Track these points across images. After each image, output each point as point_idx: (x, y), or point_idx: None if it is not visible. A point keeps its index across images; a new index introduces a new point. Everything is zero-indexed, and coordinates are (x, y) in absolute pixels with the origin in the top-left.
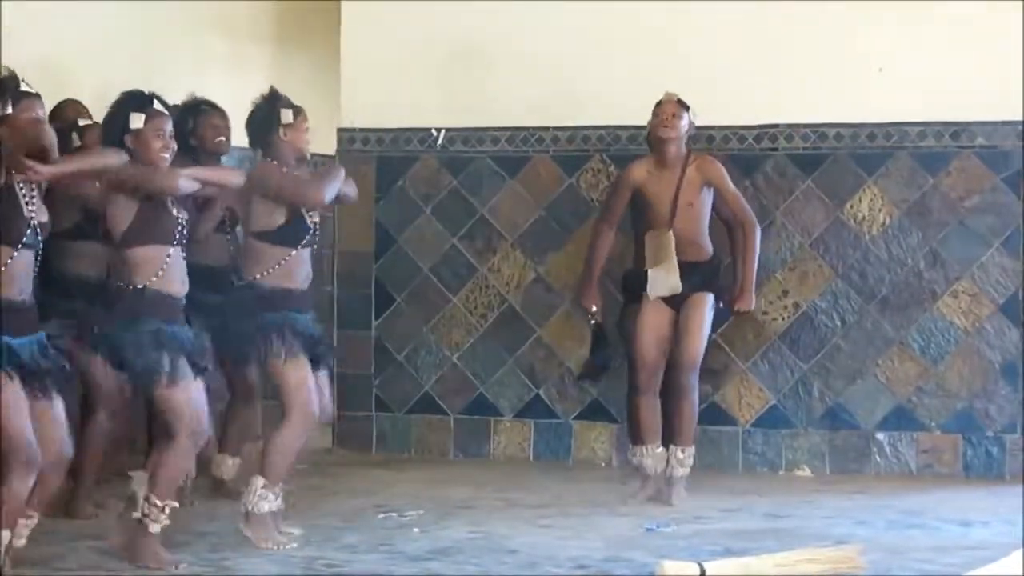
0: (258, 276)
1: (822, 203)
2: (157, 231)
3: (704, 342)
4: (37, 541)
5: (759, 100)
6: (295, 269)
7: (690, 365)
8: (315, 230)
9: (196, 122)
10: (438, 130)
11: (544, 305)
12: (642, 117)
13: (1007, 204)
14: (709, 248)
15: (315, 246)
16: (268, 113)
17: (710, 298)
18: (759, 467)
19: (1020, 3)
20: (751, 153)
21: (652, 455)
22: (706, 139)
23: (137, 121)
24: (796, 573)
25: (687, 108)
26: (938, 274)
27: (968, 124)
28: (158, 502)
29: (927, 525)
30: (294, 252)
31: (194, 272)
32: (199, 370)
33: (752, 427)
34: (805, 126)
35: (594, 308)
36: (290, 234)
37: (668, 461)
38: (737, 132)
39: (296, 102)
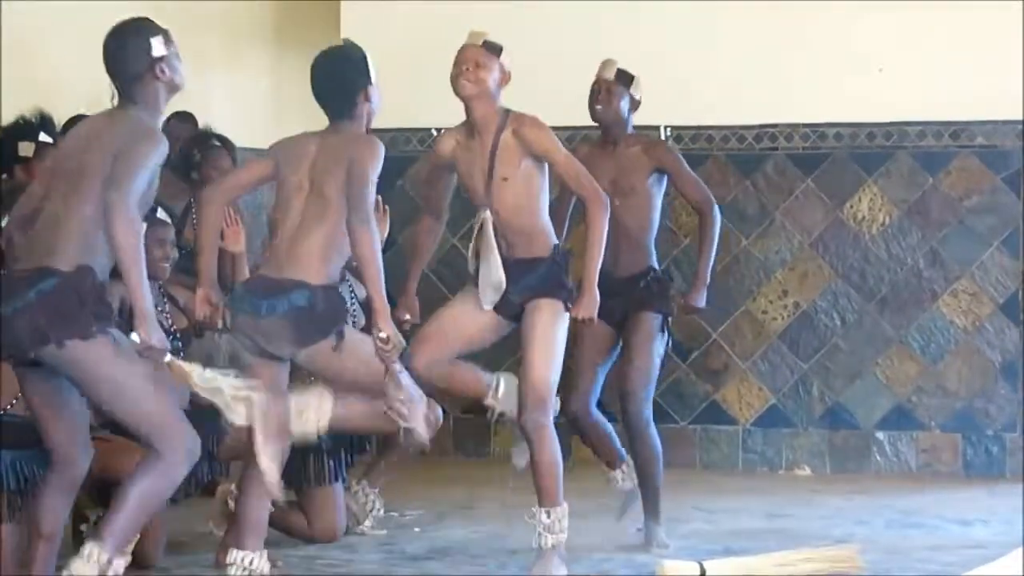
0: None
1: (822, 203)
2: None
3: (551, 368)
4: None
5: (759, 100)
6: None
7: (535, 400)
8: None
9: (202, 157)
10: (438, 130)
11: None
12: (641, 117)
13: (1007, 204)
14: (549, 240)
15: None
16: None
17: (554, 305)
18: (759, 466)
19: (1020, 3)
20: (751, 153)
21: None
22: (706, 139)
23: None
24: (796, 572)
25: (498, 53)
26: (938, 274)
27: (968, 124)
28: None
29: (926, 524)
30: None
31: None
32: None
33: (752, 426)
34: (805, 126)
35: (407, 317)
36: None
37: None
38: (737, 132)
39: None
